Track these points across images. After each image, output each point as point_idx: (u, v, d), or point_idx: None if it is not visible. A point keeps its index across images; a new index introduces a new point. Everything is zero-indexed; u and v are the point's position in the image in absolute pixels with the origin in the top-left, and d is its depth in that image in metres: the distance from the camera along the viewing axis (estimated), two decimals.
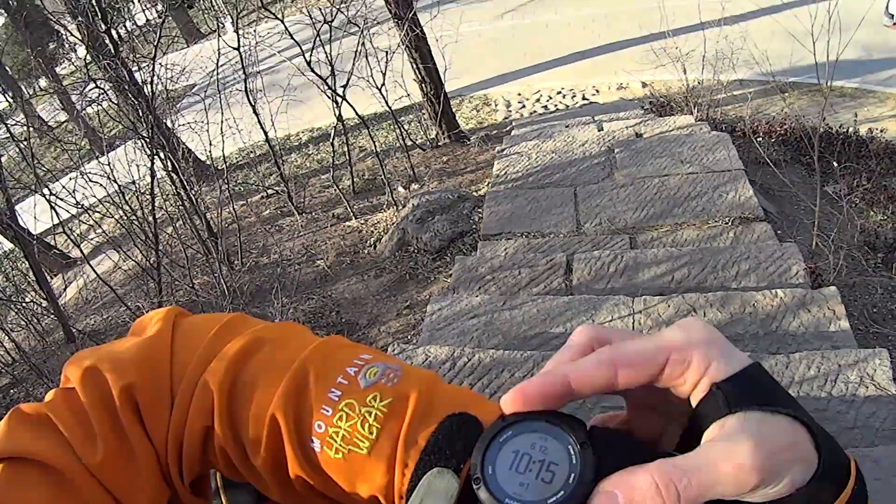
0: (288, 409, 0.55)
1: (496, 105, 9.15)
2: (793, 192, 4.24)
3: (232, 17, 7.57)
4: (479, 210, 4.64)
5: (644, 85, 8.19)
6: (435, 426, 0.52)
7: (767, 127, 5.33)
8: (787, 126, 5.25)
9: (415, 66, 6.48)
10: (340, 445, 0.52)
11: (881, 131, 5.17)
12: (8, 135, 7.52)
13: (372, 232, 5.09)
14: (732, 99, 6.75)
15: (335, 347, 0.60)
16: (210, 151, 6.44)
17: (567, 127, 6.07)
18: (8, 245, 6.48)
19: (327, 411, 0.53)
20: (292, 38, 5.54)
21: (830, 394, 2.17)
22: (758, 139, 4.91)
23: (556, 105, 8.75)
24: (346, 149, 6.17)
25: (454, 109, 7.45)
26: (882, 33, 7.35)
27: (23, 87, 14.80)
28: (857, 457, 1.52)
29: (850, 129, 5.17)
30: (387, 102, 6.03)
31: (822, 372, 2.24)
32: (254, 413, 0.56)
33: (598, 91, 8.76)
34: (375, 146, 5.85)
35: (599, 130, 5.51)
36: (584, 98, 8.68)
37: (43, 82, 15.41)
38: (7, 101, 13.69)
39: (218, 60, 5.91)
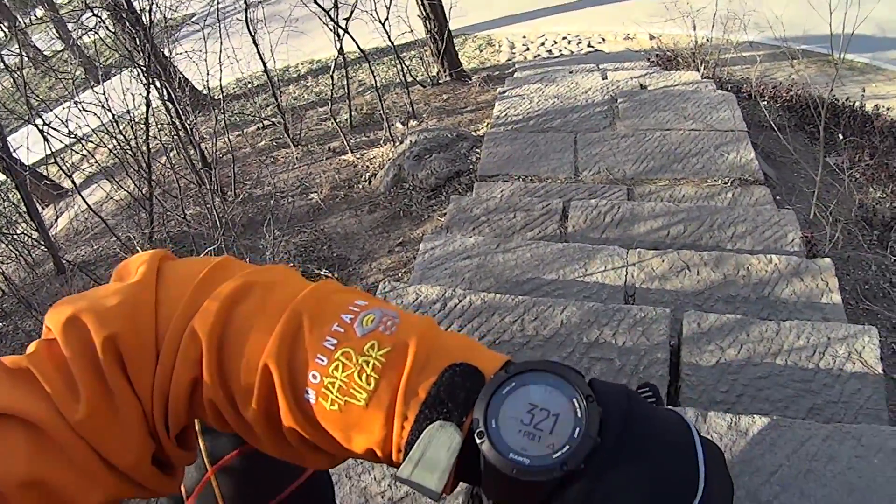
0: (281, 358, 0.52)
1: (500, 46, 8.97)
2: (794, 159, 4.21)
3: None
4: (477, 150, 4.57)
5: (651, 37, 8.03)
6: (435, 377, 0.50)
7: (773, 91, 5.25)
8: (794, 92, 5.18)
9: (420, 1, 6.32)
10: (336, 396, 0.50)
11: (887, 109, 5.13)
12: (2, 65, 7.30)
13: (367, 167, 5.00)
14: (740, 60, 6.65)
15: (329, 292, 0.57)
16: (207, 81, 6.30)
17: (571, 73, 5.95)
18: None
19: (323, 360, 0.51)
20: None
21: (818, 366, 2.17)
22: (763, 102, 4.86)
23: (560, 50, 8.61)
24: (345, 82, 6.02)
25: (457, 48, 7.29)
26: None
27: (18, 17, 14.33)
28: (839, 433, 1.51)
29: (857, 104, 5.11)
30: (389, 37, 5.86)
31: (811, 343, 2.23)
32: (245, 362, 0.53)
33: (604, 39, 8.61)
34: (376, 81, 5.71)
35: (604, 79, 5.41)
36: (589, 45, 8.54)
37: (39, 11, 14.94)
38: (2, 30, 13.22)
39: None
